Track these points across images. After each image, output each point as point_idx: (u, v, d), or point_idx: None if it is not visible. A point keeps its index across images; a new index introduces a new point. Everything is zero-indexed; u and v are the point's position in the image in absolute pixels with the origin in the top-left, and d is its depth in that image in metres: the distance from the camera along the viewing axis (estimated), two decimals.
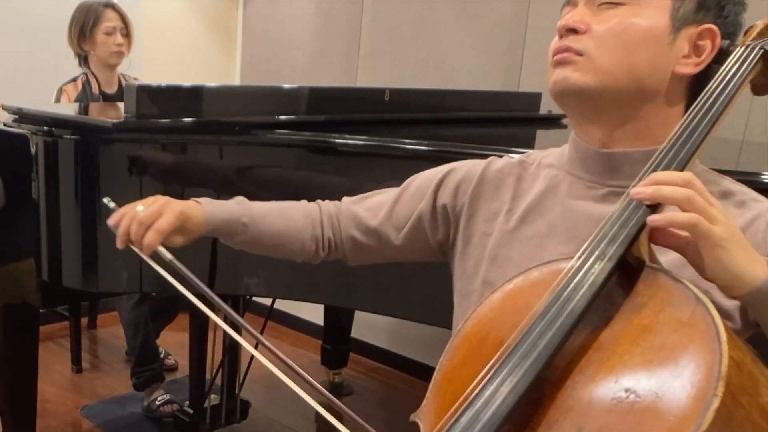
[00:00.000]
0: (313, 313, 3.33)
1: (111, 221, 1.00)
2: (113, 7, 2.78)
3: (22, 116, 1.85)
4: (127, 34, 2.81)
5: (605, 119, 0.87)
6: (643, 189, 0.71)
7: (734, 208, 0.83)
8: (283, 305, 3.07)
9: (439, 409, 0.74)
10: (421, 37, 3.05)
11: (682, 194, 0.68)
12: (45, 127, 1.72)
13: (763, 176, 1.32)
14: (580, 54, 0.84)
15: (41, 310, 1.97)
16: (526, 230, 0.93)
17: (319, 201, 1.14)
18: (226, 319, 0.98)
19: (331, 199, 1.15)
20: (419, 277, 1.52)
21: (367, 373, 3.19)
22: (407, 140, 1.68)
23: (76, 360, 3.05)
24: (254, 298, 2.31)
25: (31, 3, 3.16)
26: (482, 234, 0.97)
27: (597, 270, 0.71)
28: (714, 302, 0.74)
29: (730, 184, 0.87)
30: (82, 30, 2.74)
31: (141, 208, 0.98)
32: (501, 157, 1.03)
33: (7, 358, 1.97)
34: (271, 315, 2.49)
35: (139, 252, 0.98)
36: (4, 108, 1.92)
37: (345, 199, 1.13)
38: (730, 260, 0.68)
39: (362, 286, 1.68)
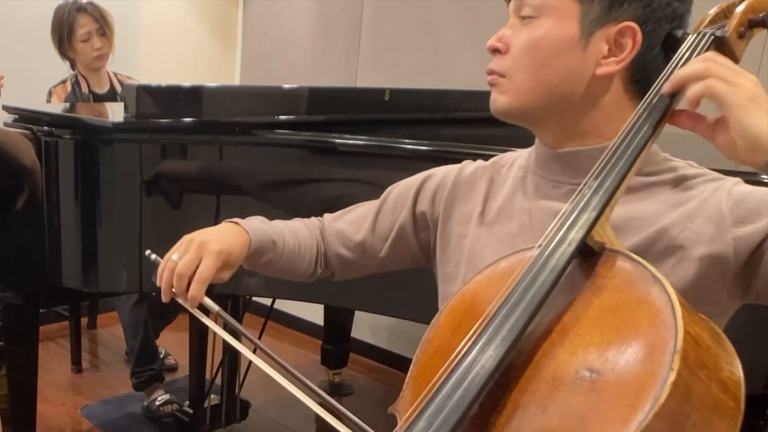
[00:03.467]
0: (313, 313, 3.33)
1: (157, 279, 0.95)
2: (86, 11, 2.70)
3: (22, 116, 1.85)
4: (104, 33, 2.73)
5: (545, 127, 0.89)
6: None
7: (690, 190, 0.84)
8: (283, 305, 3.08)
9: (415, 400, 0.75)
10: (421, 37, 3.05)
11: (699, 67, 0.72)
12: (45, 127, 1.72)
13: (763, 176, 1.32)
14: (503, 75, 0.87)
15: (41, 310, 1.97)
16: (498, 231, 0.94)
17: (312, 218, 1.14)
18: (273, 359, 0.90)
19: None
20: (418, 277, 1.52)
21: (367, 373, 3.20)
22: (407, 140, 1.68)
23: (76, 360, 3.05)
24: (254, 298, 2.31)
25: (27, 3, 3.15)
26: (459, 237, 0.99)
27: (558, 254, 0.73)
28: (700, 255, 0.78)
29: (691, 169, 0.87)
30: (60, 40, 2.72)
31: (176, 256, 0.93)
32: (475, 160, 1.05)
33: (7, 358, 1.97)
34: (271, 315, 2.49)
35: (184, 304, 0.93)
36: (5, 108, 1.92)
37: (326, 215, 1.14)
38: (751, 121, 0.68)
39: (362, 286, 1.68)
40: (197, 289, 0.91)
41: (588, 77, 0.84)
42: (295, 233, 1.07)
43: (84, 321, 3.30)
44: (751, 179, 1.04)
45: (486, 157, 1.06)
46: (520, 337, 0.70)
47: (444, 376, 0.72)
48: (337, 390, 2.97)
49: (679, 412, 0.60)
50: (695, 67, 0.73)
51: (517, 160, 1.00)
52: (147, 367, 2.69)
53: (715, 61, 0.72)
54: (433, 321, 0.86)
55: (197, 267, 0.92)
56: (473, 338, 0.73)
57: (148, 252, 0.99)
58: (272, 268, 1.06)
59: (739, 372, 0.66)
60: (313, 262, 1.09)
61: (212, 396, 2.43)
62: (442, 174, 1.05)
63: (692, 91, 0.72)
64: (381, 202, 1.10)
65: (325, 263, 1.11)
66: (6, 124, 1.84)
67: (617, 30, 0.83)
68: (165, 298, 0.94)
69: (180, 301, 0.93)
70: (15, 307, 1.88)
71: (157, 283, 0.94)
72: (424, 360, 0.83)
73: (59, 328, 3.26)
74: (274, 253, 1.03)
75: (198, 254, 0.92)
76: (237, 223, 1.01)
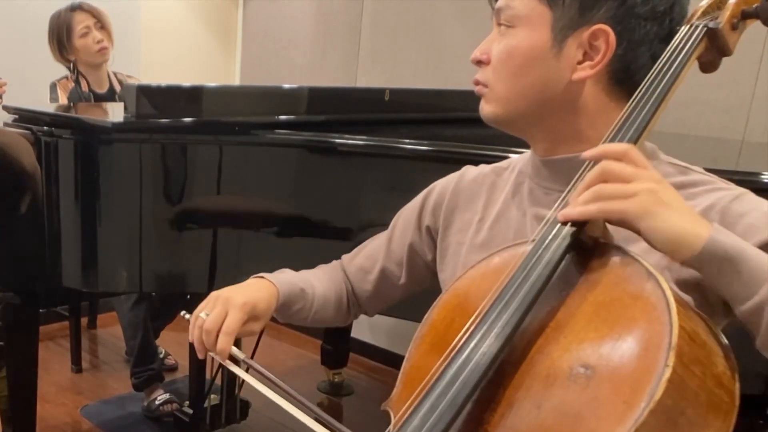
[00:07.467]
0: None
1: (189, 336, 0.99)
2: (80, 8, 2.75)
3: (22, 116, 1.85)
4: (103, 27, 2.76)
5: (532, 136, 0.90)
6: (564, 211, 0.73)
7: (688, 200, 0.80)
8: None
9: (408, 396, 0.75)
10: (421, 37, 3.05)
11: (587, 196, 0.70)
12: (45, 127, 1.72)
13: (763, 176, 1.32)
14: (486, 85, 0.89)
15: (41, 310, 1.97)
16: (495, 238, 0.94)
17: (333, 262, 1.16)
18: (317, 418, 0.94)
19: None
20: None
21: (367, 373, 3.19)
22: (407, 140, 1.68)
23: (76, 360, 3.05)
24: None
25: (27, 3, 3.15)
26: (457, 244, 1.00)
27: (552, 249, 0.73)
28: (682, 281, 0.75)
29: (694, 175, 0.85)
30: (60, 43, 2.74)
31: (204, 314, 0.96)
32: (477, 163, 1.06)
33: (7, 358, 1.97)
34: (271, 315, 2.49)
35: (216, 357, 0.96)
36: (4, 108, 1.92)
37: (344, 256, 1.16)
38: (660, 226, 0.67)
39: None
40: (224, 342, 0.94)
41: (565, 83, 0.84)
42: (321, 278, 1.09)
43: (84, 321, 3.29)
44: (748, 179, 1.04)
45: (485, 157, 1.06)
46: (514, 333, 0.70)
47: (438, 373, 0.72)
48: (337, 390, 2.97)
49: (674, 408, 0.60)
50: (583, 197, 0.71)
51: (519, 163, 1.00)
52: (147, 367, 2.69)
53: (604, 174, 0.70)
54: (425, 317, 0.86)
55: (224, 321, 0.94)
56: (467, 334, 0.72)
57: (182, 313, 1.03)
58: (306, 316, 1.06)
59: (735, 367, 0.66)
60: (345, 304, 1.11)
61: (212, 396, 2.43)
62: (442, 185, 1.06)
63: (589, 212, 0.70)
64: (391, 229, 1.11)
65: (356, 302, 1.13)
66: (6, 124, 1.83)
67: (589, 34, 0.82)
68: (200, 356, 0.97)
69: (212, 355, 0.96)
70: (15, 307, 1.87)
71: (189, 340, 0.97)
72: (417, 356, 0.83)
73: (59, 328, 3.25)
74: (304, 300, 1.05)
75: (224, 309, 0.95)
76: (263, 277, 1.04)
